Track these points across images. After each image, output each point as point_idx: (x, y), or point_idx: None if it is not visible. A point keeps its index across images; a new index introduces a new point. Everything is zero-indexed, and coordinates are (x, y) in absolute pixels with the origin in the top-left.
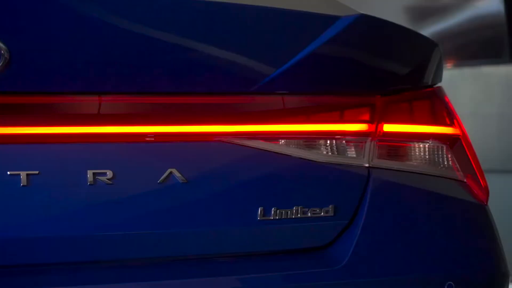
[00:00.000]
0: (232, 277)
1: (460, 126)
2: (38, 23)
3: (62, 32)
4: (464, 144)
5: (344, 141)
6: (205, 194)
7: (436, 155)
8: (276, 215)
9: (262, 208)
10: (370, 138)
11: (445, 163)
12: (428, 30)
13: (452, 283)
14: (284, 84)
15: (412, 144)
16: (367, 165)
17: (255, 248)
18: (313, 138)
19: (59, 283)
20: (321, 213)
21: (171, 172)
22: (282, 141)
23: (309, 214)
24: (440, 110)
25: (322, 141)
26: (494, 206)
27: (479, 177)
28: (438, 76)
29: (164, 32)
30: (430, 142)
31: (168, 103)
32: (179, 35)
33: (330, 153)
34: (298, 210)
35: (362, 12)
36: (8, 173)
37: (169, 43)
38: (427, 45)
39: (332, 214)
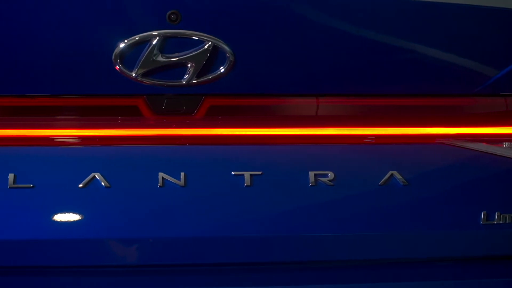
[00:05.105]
0: (451, 282)
1: None
2: (261, 26)
3: (282, 35)
4: None
5: None
6: (427, 196)
7: None
8: (500, 220)
9: (485, 212)
10: None
11: None
12: None
13: None
14: (509, 85)
15: None
16: None
17: (476, 252)
18: None
19: (271, 282)
20: None
21: (392, 174)
22: (506, 144)
23: None
24: None
25: None
26: None
27: None
28: None
29: (383, 34)
30: None
31: (388, 105)
32: (398, 37)
33: None
34: None
35: None
36: (233, 173)
37: (387, 45)
38: None
39: None
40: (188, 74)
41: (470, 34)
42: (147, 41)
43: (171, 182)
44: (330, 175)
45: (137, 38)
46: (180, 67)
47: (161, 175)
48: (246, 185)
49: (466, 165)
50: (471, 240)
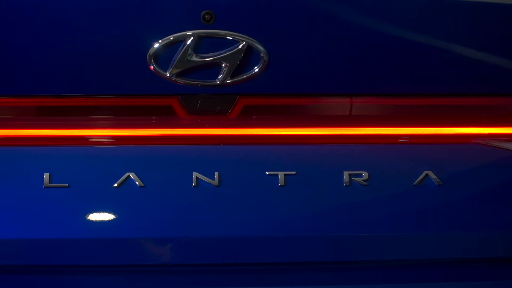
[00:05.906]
0: (487, 283)
1: None
2: (295, 26)
3: (316, 35)
4: None
5: None
6: (462, 197)
7: None
8: None
9: None
10: None
11: None
12: None
13: None
14: None
15: None
16: None
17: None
18: None
19: (306, 282)
20: None
21: (427, 174)
22: None
23: None
24: None
25: None
26: None
27: None
28: None
29: (418, 34)
30: None
31: (423, 105)
32: (434, 37)
33: None
34: None
35: None
36: (267, 173)
37: (422, 45)
38: None
39: None
40: (222, 74)
41: (506, 33)
42: (181, 41)
43: (205, 182)
44: (365, 175)
45: (172, 38)
46: (214, 67)
47: (195, 174)
48: (280, 185)
49: (501, 165)
50: (506, 241)
